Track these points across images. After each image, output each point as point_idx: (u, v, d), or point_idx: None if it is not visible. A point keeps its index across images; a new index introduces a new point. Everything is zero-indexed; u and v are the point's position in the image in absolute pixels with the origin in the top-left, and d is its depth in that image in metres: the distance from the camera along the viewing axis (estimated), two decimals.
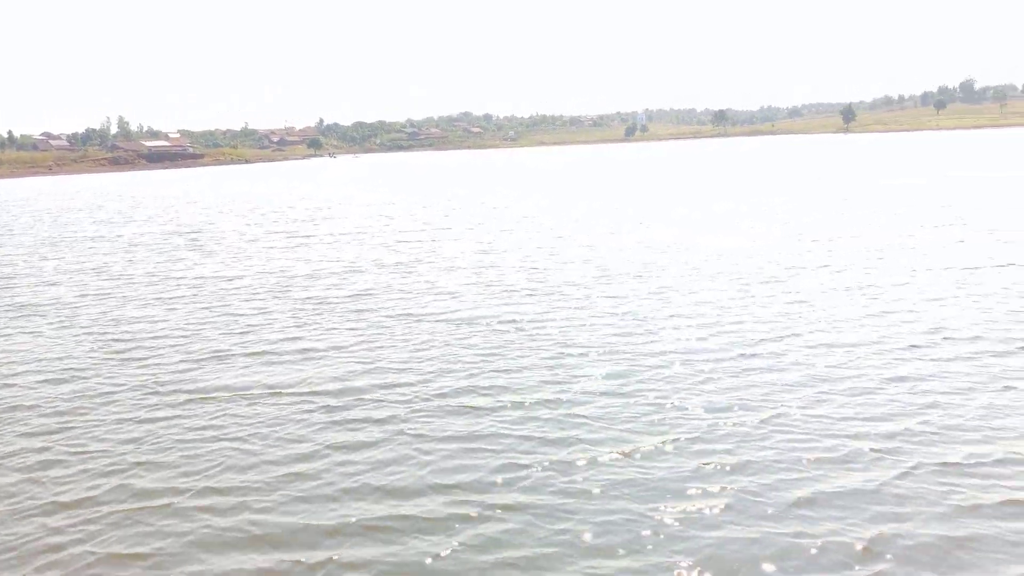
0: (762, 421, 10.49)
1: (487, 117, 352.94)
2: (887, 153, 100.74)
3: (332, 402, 12.00)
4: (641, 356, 13.61)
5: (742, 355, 13.42)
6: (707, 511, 8.26)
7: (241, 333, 16.56)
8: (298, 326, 17.01)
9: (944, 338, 14.02)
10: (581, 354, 13.90)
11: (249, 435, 10.80)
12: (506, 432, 10.54)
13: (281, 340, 15.80)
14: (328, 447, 10.31)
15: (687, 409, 11.05)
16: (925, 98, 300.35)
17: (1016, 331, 14.25)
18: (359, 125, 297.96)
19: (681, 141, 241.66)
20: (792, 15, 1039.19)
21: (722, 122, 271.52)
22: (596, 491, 8.78)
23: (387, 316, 17.61)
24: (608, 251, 25.93)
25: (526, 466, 9.48)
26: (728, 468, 9.18)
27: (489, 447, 10.12)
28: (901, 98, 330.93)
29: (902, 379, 11.95)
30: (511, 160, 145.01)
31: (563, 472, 9.29)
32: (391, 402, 11.92)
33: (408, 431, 10.73)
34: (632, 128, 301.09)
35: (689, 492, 8.69)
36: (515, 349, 14.41)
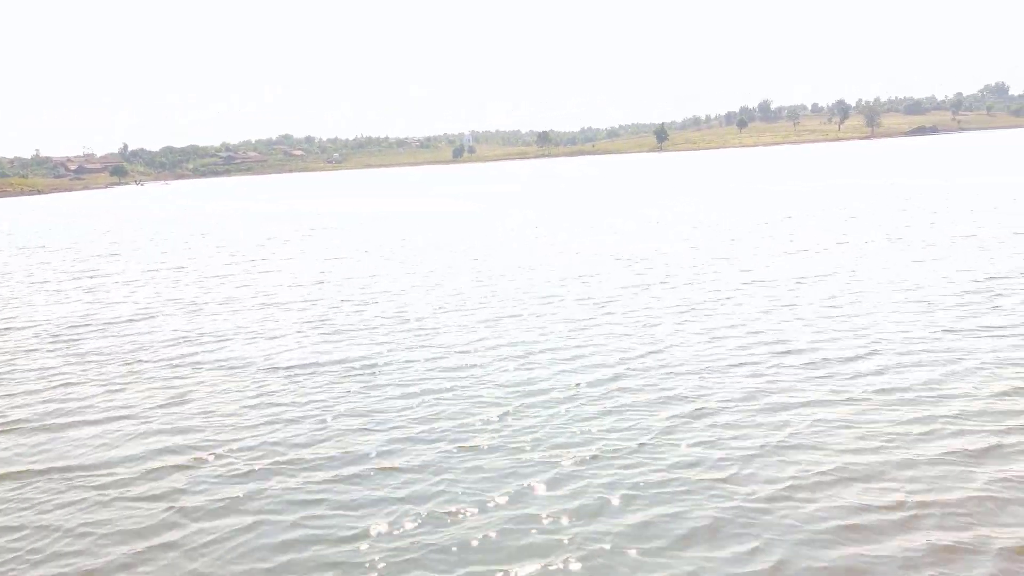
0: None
1: (309, 139, 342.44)
2: (703, 167, 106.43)
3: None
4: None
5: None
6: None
7: None
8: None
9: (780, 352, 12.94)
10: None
11: None
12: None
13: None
14: None
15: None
16: (728, 118, 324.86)
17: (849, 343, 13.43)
18: (168, 150, 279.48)
19: (509, 161, 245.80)
20: (604, 42, 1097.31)
21: (546, 143, 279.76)
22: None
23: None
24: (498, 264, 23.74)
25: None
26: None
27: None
28: (708, 118, 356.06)
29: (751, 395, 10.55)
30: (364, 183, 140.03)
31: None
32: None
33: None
34: (460, 149, 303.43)
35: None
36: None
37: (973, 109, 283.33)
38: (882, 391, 10.90)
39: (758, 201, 45.90)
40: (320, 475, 9.13)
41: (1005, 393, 10.54)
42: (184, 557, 7.51)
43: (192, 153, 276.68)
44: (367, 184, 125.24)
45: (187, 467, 9.63)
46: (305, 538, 7.71)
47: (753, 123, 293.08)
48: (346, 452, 9.74)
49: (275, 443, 10.23)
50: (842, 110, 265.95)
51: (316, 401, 11.85)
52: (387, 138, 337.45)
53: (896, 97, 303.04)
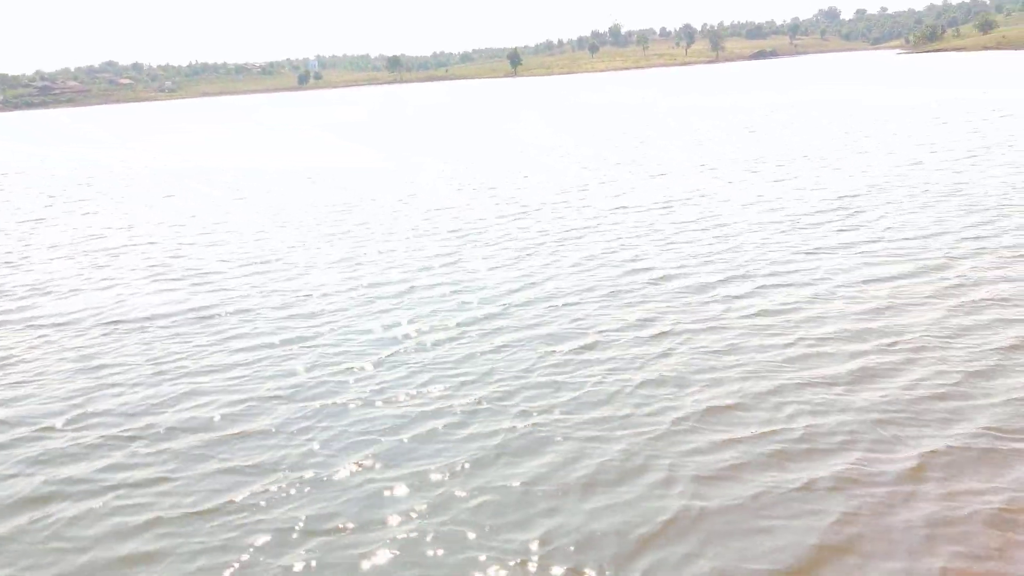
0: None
1: (136, 66, 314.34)
2: (558, 92, 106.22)
3: None
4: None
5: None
6: None
7: None
8: None
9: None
10: None
11: None
12: None
13: None
14: None
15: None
16: (580, 42, 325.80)
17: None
18: None
19: (358, 88, 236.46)
20: None
21: (397, 68, 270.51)
22: None
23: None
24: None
25: None
26: None
27: None
28: (560, 42, 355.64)
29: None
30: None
31: None
32: None
33: None
34: (305, 76, 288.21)
35: None
36: None
37: (809, 34, 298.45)
38: (759, 314, 10.76)
39: (614, 126, 46.06)
40: (159, 447, 7.85)
41: (871, 312, 10.63)
42: None
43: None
44: (215, 116, 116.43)
45: None
46: (132, 527, 6.51)
47: (604, 48, 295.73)
48: (190, 418, 8.47)
49: (100, 413, 8.78)
50: (688, 35, 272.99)
51: (150, 359, 10.36)
52: (225, 64, 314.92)
53: (738, 22, 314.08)
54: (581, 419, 7.99)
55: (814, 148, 28.27)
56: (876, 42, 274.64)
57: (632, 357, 9.53)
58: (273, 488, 6.96)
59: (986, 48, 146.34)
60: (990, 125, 31.34)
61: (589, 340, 10.17)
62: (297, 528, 6.36)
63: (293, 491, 6.89)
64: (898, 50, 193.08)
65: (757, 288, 11.93)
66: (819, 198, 18.76)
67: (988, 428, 7.35)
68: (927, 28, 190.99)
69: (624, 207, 19.33)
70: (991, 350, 9.08)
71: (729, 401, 8.18)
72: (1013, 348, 9.09)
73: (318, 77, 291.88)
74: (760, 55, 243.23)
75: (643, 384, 8.72)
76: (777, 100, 57.52)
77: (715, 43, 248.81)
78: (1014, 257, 12.75)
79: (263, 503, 6.74)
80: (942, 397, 8.02)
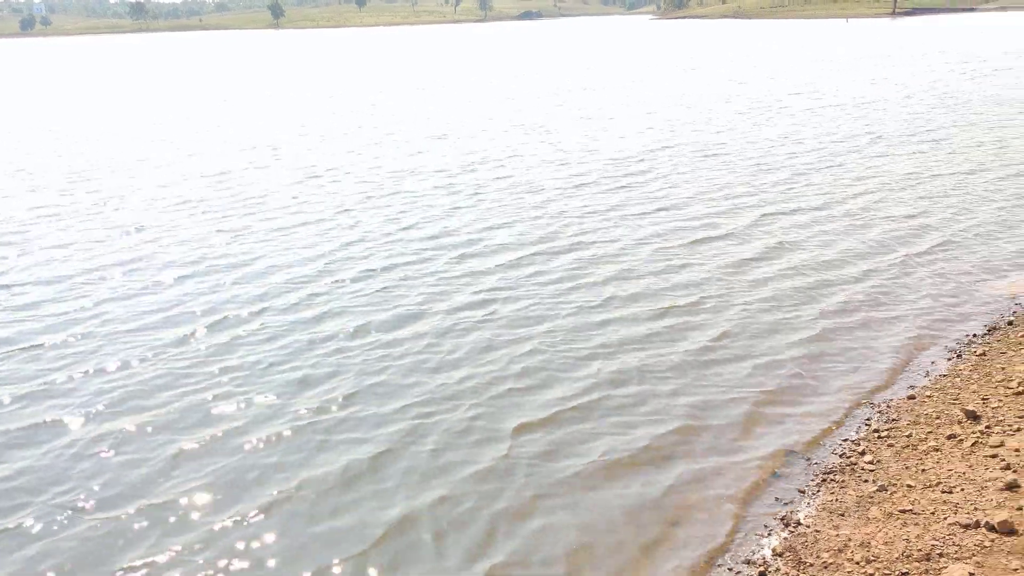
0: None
1: None
2: (328, 50, 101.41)
3: None
4: None
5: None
6: None
7: None
8: None
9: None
10: None
11: None
12: None
13: None
14: None
15: None
16: None
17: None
18: None
19: (95, 36, 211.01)
20: None
21: (141, 15, 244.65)
22: None
23: None
24: None
25: None
26: None
27: None
28: None
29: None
30: None
31: None
32: None
33: None
34: (30, 21, 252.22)
35: None
36: None
37: None
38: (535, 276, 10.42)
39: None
40: None
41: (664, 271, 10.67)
42: None
43: None
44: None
45: None
46: None
47: (373, 2, 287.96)
48: None
49: None
50: None
51: None
52: None
53: None
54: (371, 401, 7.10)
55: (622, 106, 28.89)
56: (632, 7, 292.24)
57: (439, 331, 8.77)
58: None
59: (724, 16, 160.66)
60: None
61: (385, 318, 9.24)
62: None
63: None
64: (651, 16, 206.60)
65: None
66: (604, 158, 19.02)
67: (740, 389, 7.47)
68: None
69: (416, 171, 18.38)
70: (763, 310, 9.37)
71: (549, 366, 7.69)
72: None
73: (46, 23, 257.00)
74: (527, 15, 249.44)
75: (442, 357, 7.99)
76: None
77: (483, 2, 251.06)
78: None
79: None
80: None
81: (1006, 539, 4.84)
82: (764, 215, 13.40)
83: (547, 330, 8.85)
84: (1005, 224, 12.52)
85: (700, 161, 18.06)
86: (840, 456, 6.36)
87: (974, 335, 8.59)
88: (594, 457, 6.42)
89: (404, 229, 13.07)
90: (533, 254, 11.55)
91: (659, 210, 13.89)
